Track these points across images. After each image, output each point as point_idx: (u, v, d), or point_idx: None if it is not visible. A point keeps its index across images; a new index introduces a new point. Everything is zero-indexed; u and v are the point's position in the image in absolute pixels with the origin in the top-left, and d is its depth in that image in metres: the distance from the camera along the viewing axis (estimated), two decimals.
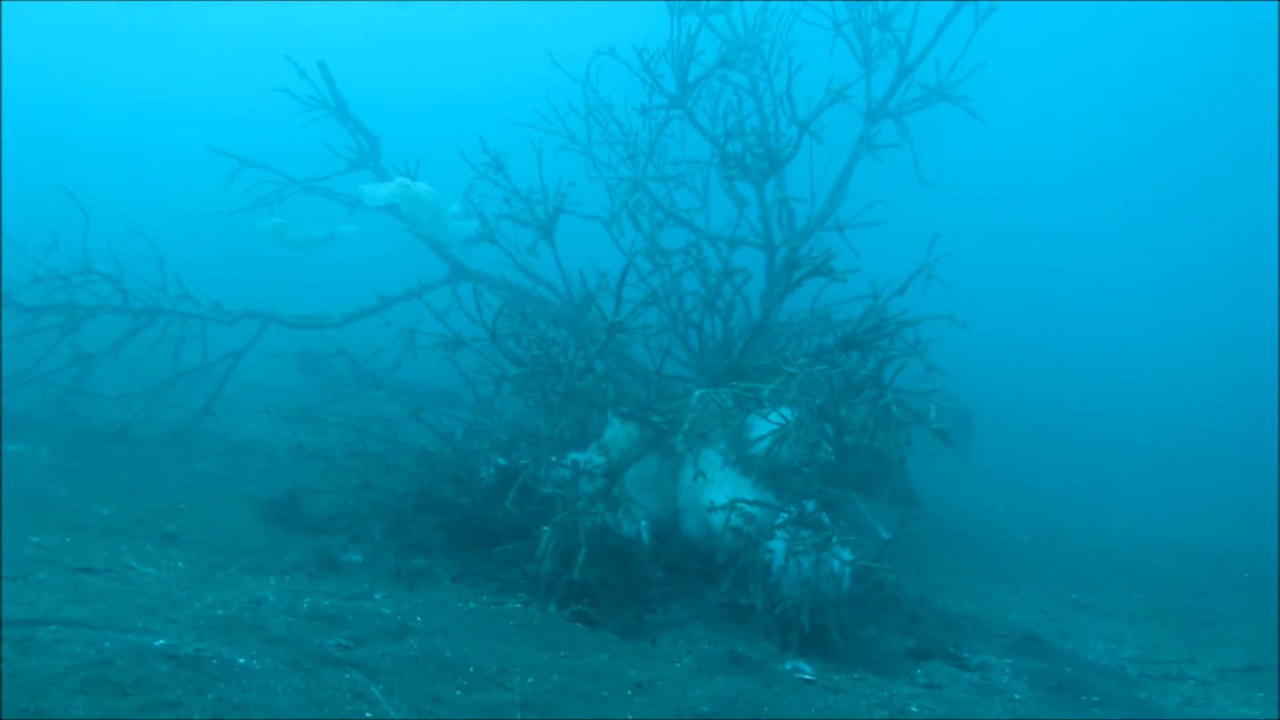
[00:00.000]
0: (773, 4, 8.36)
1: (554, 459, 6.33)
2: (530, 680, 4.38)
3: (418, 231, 7.92)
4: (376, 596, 5.44)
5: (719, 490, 6.12)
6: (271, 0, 48.17)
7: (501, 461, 6.77)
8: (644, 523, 6.07)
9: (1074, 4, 36.18)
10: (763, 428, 6.19)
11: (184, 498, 7.01)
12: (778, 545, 5.70)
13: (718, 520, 5.97)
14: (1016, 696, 5.15)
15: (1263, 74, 34.77)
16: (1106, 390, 19.55)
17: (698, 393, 6.09)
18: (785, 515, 5.88)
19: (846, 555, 5.65)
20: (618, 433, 6.52)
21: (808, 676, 5.10)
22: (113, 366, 8.81)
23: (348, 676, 4.02)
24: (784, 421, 6.03)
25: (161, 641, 3.93)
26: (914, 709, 4.80)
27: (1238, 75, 37.60)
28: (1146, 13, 38.63)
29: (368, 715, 3.69)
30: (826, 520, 5.89)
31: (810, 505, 5.94)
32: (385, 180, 8.95)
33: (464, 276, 8.98)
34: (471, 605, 5.50)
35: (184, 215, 9.19)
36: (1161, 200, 37.96)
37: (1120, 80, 41.01)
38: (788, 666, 5.19)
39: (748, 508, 5.89)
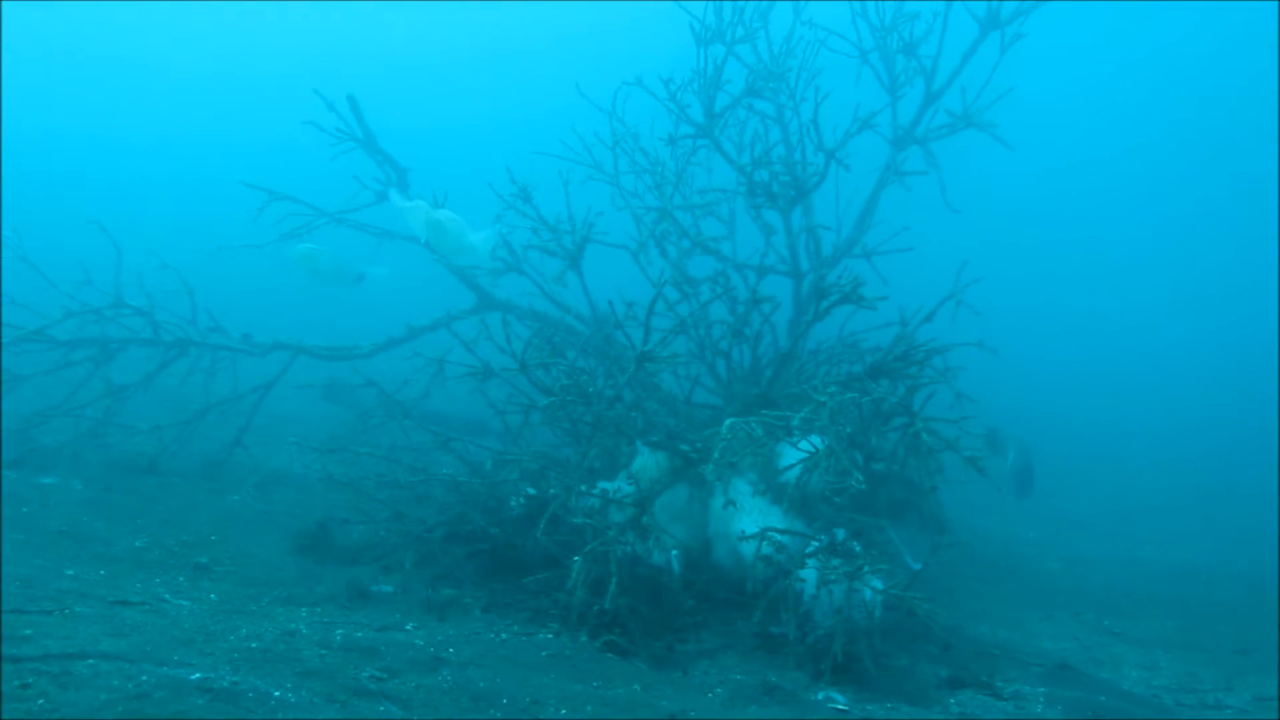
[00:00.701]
0: (798, 33, 8.39)
1: (584, 488, 6.33)
2: (564, 712, 4.38)
3: (443, 259, 7.95)
4: (408, 627, 5.45)
5: (749, 519, 6.11)
6: (295, 32, 48.76)
7: (531, 491, 6.78)
8: (674, 552, 6.07)
9: (1099, 21, 36.11)
10: (792, 456, 6.17)
11: (216, 529, 7.04)
12: (809, 574, 5.69)
13: (748, 549, 5.96)
14: None
15: None
16: (1137, 413, 19.40)
17: (728, 421, 6.09)
18: (816, 544, 5.86)
19: (878, 584, 5.63)
20: (647, 462, 6.52)
21: (841, 706, 5.08)
22: (144, 399, 8.87)
23: (382, 709, 4.03)
24: (814, 450, 6.02)
25: (197, 675, 3.94)
26: None
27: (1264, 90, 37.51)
28: (1172, 27, 38.60)
29: None
30: (858, 549, 5.87)
31: (841, 534, 5.92)
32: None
33: (492, 306, 9.01)
34: (503, 636, 5.51)
35: (215, 249, 9.25)
36: (1192, 216, 37.76)
37: (1148, 96, 40.90)
38: (820, 696, 5.17)
39: (778, 536, 5.88)
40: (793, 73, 8.10)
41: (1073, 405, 19.16)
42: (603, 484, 6.44)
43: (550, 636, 5.56)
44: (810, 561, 5.72)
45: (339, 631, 5.10)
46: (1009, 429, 9.97)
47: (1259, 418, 19.09)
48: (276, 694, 3.90)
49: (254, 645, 4.62)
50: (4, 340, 7.80)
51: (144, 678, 3.79)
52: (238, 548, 6.70)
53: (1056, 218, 37.28)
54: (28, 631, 4.26)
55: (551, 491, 6.49)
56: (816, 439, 6.12)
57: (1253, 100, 37.36)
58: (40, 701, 3.46)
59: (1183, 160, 39.45)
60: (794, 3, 8.60)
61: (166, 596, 5.45)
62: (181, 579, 5.88)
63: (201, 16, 48.15)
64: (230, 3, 47.94)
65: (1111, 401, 20.21)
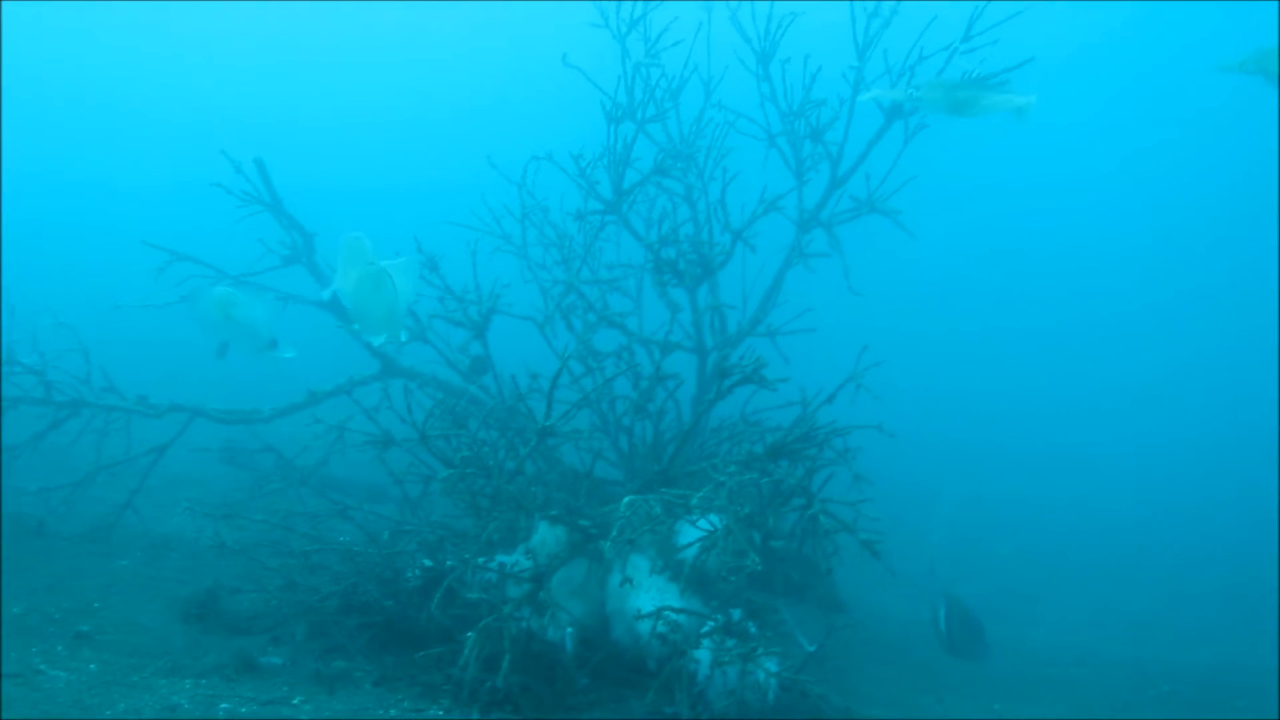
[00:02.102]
0: (708, 114, 8.52)
1: (481, 561, 6.28)
2: None
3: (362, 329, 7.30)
4: (295, 701, 5.34)
5: (646, 597, 6.09)
6: (215, 84, 48.44)
7: (428, 563, 6.70)
8: (569, 630, 6.02)
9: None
10: (691, 534, 6.18)
11: (100, 596, 6.86)
12: (703, 654, 5.68)
13: (645, 627, 5.94)
14: None
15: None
16: (1041, 498, 19.72)
17: (627, 499, 6.08)
18: (712, 624, 5.86)
19: (772, 666, 5.63)
20: (546, 536, 6.48)
21: None
22: (32, 459, 8.64)
23: None
24: (712, 529, 6.03)
25: None
26: None
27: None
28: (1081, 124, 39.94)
29: None
30: (753, 629, 5.88)
31: (737, 614, 5.93)
32: (320, 277, 8.94)
33: (396, 374, 8.95)
34: (392, 712, 5.41)
35: (113, 307, 9.08)
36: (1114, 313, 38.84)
37: (1047, 181, 42.22)
38: None
39: (674, 615, 5.87)
40: (702, 153, 8.23)
41: (979, 487, 19.40)
42: (500, 557, 6.39)
43: (440, 713, 5.47)
44: (705, 641, 5.71)
45: (223, 705, 4.99)
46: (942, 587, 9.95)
47: (1167, 507, 19.58)
48: None
49: None
50: None
51: None
52: (122, 615, 6.53)
53: (970, 299, 38.05)
54: None
55: (448, 564, 6.42)
56: (715, 518, 6.14)
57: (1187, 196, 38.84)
58: None
59: (1143, 227, 40.78)
60: (705, 84, 8.72)
61: (42, 667, 5.29)
62: (60, 648, 5.71)
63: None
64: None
65: (1020, 484, 20.50)
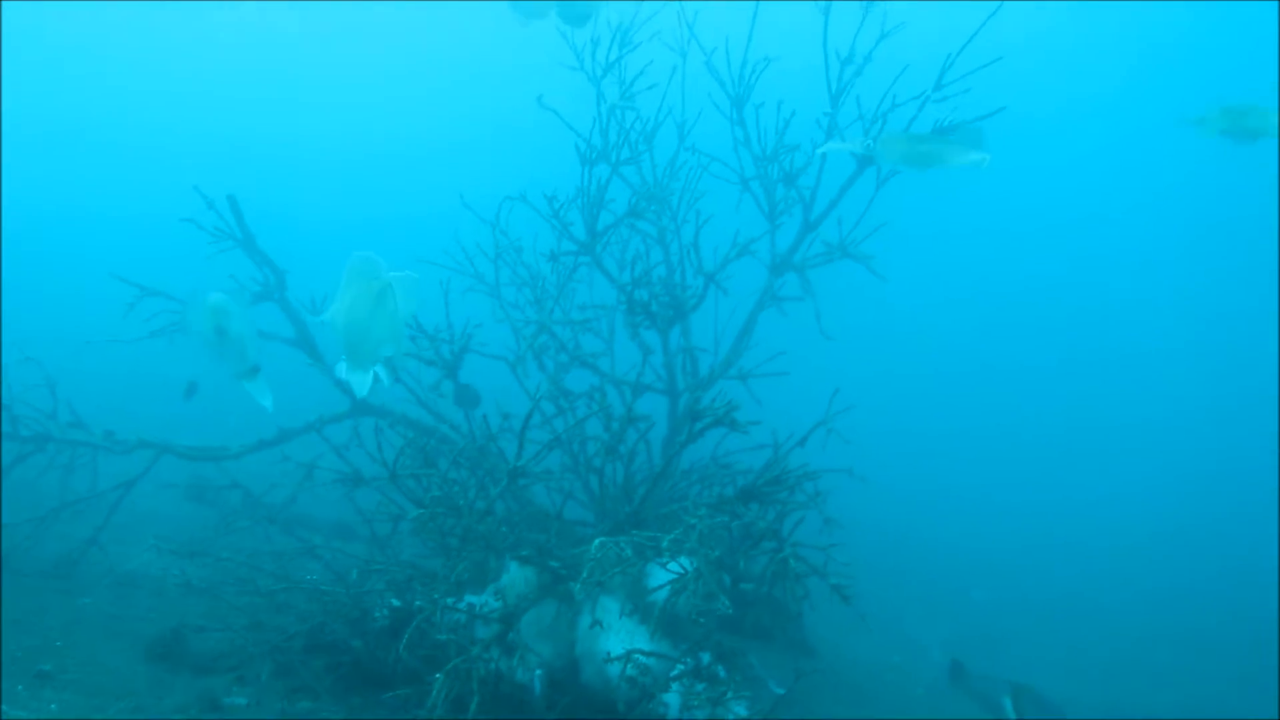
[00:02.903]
0: (682, 157, 8.57)
1: (450, 602, 6.24)
2: None
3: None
4: None
5: (616, 639, 6.07)
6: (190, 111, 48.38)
7: (396, 603, 6.66)
8: (538, 672, 5.99)
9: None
10: (661, 577, 6.17)
11: (63, 634, 6.76)
12: (672, 698, 5.66)
13: (614, 670, 5.91)
14: None
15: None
16: (1016, 542, 19.78)
17: (598, 540, 6.07)
18: (681, 667, 5.84)
19: (741, 710, 5.62)
20: (515, 577, 6.46)
21: None
22: None
23: None
24: (683, 571, 6.03)
25: None
26: None
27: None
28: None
29: None
30: (722, 673, 5.87)
31: (706, 657, 5.92)
32: (291, 314, 8.91)
33: (366, 412, 8.92)
34: None
35: (84, 342, 9.01)
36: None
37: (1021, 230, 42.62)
38: None
39: (643, 659, 5.85)
40: (675, 195, 8.27)
41: (949, 532, 19.43)
42: (470, 598, 6.36)
43: None
44: (674, 685, 5.69)
45: None
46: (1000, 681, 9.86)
47: (1138, 544, 19.68)
48: None
49: None
50: None
51: None
52: (85, 654, 6.45)
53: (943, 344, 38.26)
54: None
55: (417, 604, 6.38)
56: (686, 560, 6.13)
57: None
58: None
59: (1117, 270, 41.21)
60: (679, 127, 8.79)
61: (1, 707, 5.22)
62: (20, 687, 5.63)
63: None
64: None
65: (993, 529, 20.55)
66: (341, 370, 5.39)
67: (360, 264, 5.28)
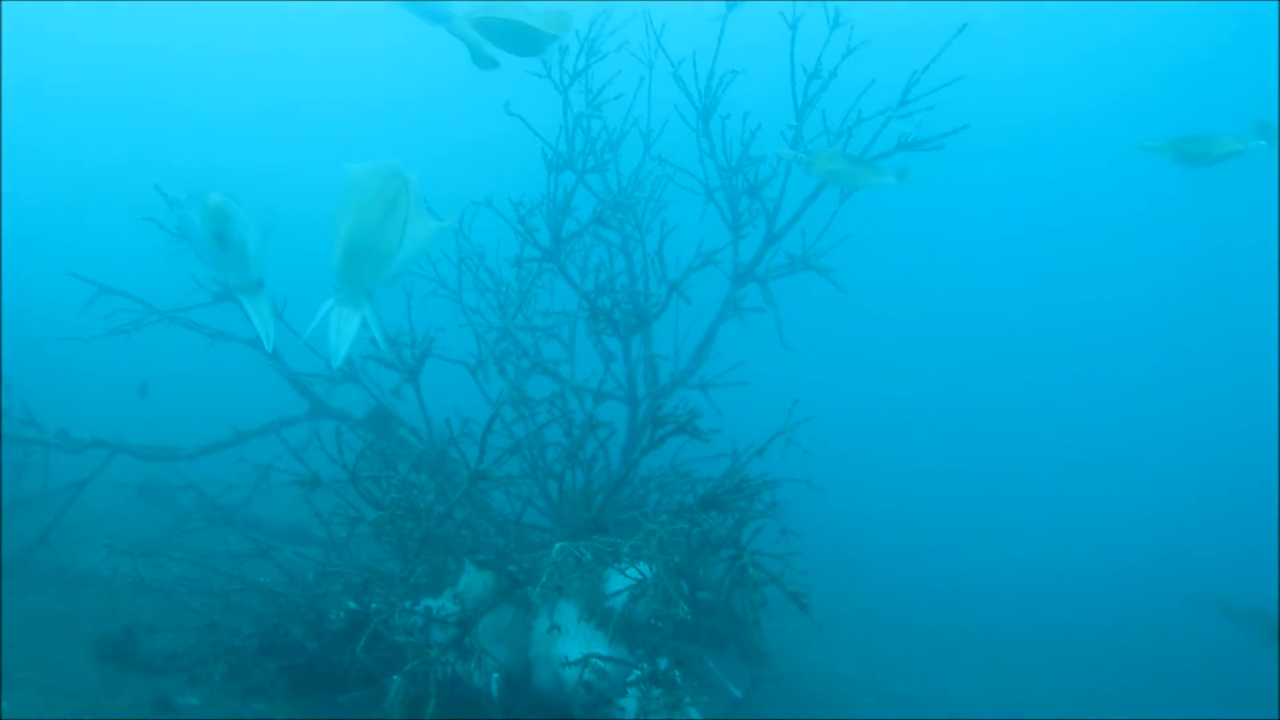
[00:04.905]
0: (648, 166, 8.61)
1: (407, 605, 6.22)
2: None
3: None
4: None
5: (573, 644, 6.07)
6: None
7: (352, 605, 6.62)
8: (496, 675, 5.98)
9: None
10: (620, 583, 6.18)
11: (12, 634, 6.69)
12: (629, 703, 5.67)
13: (571, 675, 5.91)
14: None
15: None
16: (966, 559, 19.89)
17: (558, 545, 6.07)
18: (638, 672, 5.85)
19: (697, 715, 5.64)
20: (473, 581, 6.44)
21: None
22: None
23: None
24: (641, 578, 6.04)
25: None
26: None
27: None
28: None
29: None
30: (679, 679, 5.88)
31: (663, 663, 5.93)
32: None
33: (325, 415, 8.89)
34: None
35: (39, 340, 8.94)
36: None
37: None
38: None
39: (601, 664, 5.86)
40: (640, 204, 8.30)
41: (903, 546, 19.55)
42: (427, 601, 6.34)
43: None
44: (631, 690, 5.70)
45: None
46: None
47: (1094, 568, 19.84)
48: None
49: None
50: None
51: None
52: (35, 653, 6.38)
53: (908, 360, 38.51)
54: None
55: (374, 606, 6.36)
56: (645, 567, 6.14)
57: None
58: None
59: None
60: (644, 137, 8.81)
61: None
62: None
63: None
64: None
65: (946, 544, 20.66)
66: (326, 313, 4.75)
67: (373, 169, 4.69)
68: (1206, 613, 12.63)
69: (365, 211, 4.61)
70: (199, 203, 5.02)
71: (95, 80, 48.80)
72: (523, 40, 7.03)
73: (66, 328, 8.73)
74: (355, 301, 4.77)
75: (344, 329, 4.71)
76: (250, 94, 49.38)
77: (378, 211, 4.62)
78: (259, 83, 49.35)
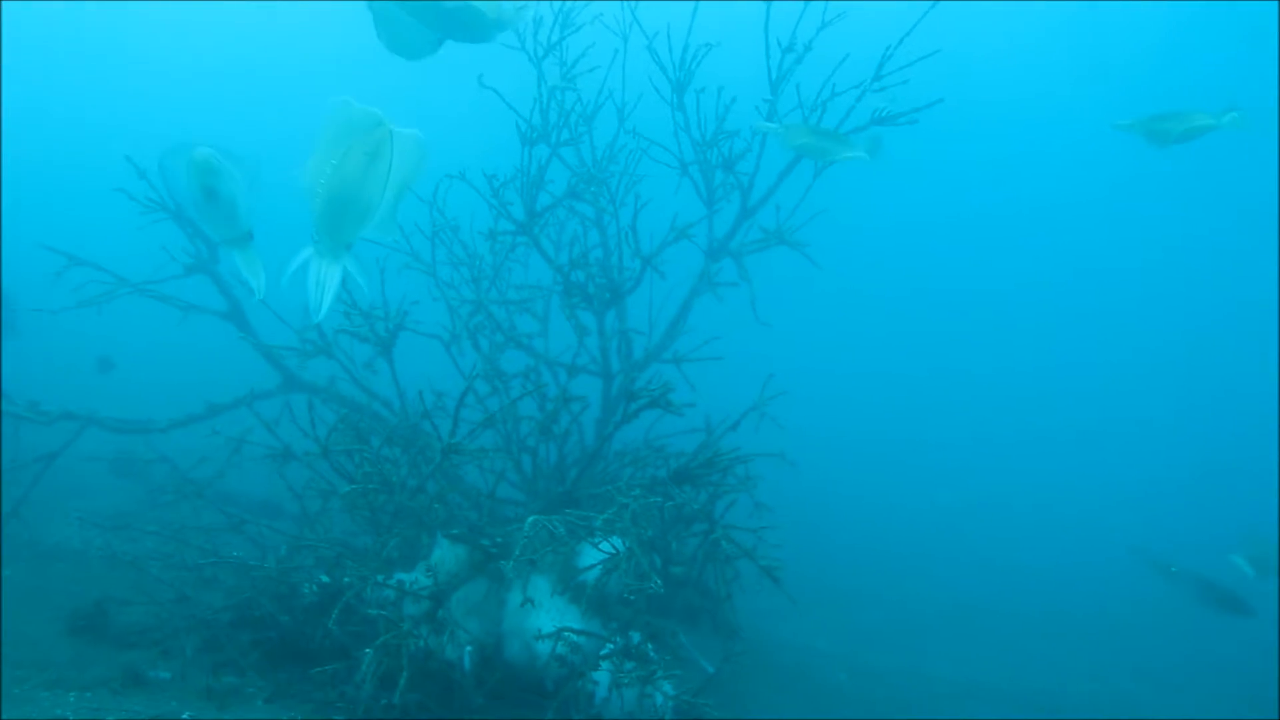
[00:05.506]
0: (622, 140, 8.57)
1: (380, 578, 6.21)
2: None
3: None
4: (184, 716, 5.23)
5: (546, 617, 6.09)
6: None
7: (325, 579, 6.62)
8: (468, 649, 5.99)
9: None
10: (593, 556, 6.20)
11: None
12: (602, 676, 5.69)
13: (544, 648, 5.93)
14: None
15: None
16: (938, 533, 20.00)
17: (531, 519, 6.07)
18: (611, 646, 5.87)
19: (670, 689, 5.66)
20: (446, 554, 6.44)
21: None
22: None
23: None
24: (615, 551, 6.05)
25: None
26: None
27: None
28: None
29: None
30: (652, 653, 5.90)
31: (636, 637, 5.95)
32: (223, 287, 8.82)
33: (297, 388, 8.84)
34: None
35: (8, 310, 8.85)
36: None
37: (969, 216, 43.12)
38: None
39: (574, 637, 5.87)
40: (614, 178, 8.27)
41: (875, 526, 19.62)
42: (400, 575, 6.33)
43: None
44: (604, 664, 5.72)
45: (109, 718, 4.87)
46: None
47: (1071, 545, 19.97)
48: None
49: None
50: None
51: None
52: (5, 626, 6.34)
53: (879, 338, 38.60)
54: None
55: (346, 580, 6.35)
56: (618, 540, 6.16)
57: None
58: None
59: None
60: (619, 110, 8.77)
61: None
62: None
63: None
64: None
65: (918, 521, 20.76)
66: (304, 262, 4.57)
67: (353, 114, 4.49)
68: (1139, 566, 12.71)
69: (345, 166, 4.50)
70: (185, 157, 4.86)
71: (64, 42, 48.32)
72: (463, 24, 6.43)
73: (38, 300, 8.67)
74: (335, 254, 4.69)
75: (325, 282, 4.63)
76: (218, 62, 48.95)
77: (360, 162, 4.50)
78: (227, 52, 48.89)
